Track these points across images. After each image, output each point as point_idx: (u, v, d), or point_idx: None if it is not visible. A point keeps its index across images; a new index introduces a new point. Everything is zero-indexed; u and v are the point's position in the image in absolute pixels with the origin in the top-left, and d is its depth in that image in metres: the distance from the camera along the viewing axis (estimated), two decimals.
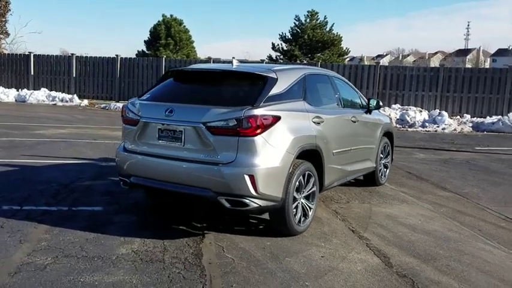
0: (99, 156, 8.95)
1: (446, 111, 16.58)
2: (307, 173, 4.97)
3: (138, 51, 33.26)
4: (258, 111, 4.42)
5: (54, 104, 20.32)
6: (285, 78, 5.02)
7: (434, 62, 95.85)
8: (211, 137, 4.42)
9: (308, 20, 30.00)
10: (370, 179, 7.21)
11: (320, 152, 5.17)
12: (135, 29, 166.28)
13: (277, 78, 4.87)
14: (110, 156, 8.91)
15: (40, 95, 20.81)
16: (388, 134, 7.46)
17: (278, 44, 30.73)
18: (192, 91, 5.01)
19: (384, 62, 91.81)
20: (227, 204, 4.45)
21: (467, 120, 16.29)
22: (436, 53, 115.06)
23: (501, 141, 13.82)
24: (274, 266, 4.17)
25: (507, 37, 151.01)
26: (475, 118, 16.53)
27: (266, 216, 5.32)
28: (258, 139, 4.40)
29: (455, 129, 15.57)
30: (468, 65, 75.09)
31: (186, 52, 32.50)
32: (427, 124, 15.98)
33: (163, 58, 21.01)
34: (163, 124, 4.67)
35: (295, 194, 4.80)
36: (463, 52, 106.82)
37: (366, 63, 65.11)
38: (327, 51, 29.32)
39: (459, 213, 6.07)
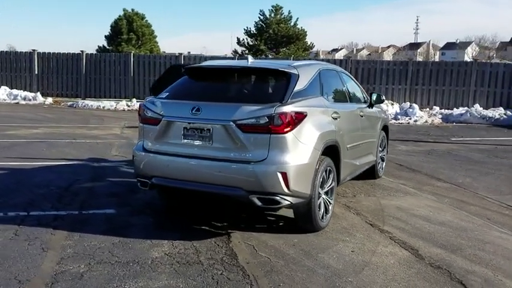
0: (87, 156, 8.64)
1: (416, 103, 17.07)
2: (328, 168, 4.99)
3: (98, 46, 32.38)
4: (287, 108, 4.39)
5: (17, 103, 19.42)
6: (305, 74, 5.01)
7: (387, 56, 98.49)
8: (242, 135, 4.35)
9: (273, 15, 30.10)
10: (369, 173, 7.32)
11: (338, 147, 5.20)
12: (94, 24, 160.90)
13: (299, 74, 4.85)
14: (98, 157, 8.66)
15: (0, 94, 19.84)
16: (385, 128, 7.61)
17: (243, 39, 30.70)
18: (216, 89, 4.91)
19: (339, 56, 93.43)
20: (258, 203, 4.41)
21: (436, 112, 16.84)
22: (388, 46, 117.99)
23: (472, 131, 14.38)
24: (311, 263, 4.17)
25: (454, 31, 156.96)
26: (444, 110, 17.12)
27: (282, 212, 5.32)
28: (289, 136, 4.37)
29: (426, 121, 16.06)
30: (419, 58, 77.43)
31: (149, 47, 31.89)
32: (399, 117, 16.40)
33: (132, 54, 20.50)
34: (189, 123, 4.55)
35: (319, 190, 4.82)
36: (415, 46, 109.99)
37: (321, 57, 66.01)
38: (293, 46, 29.53)
39: (463, 203, 6.27)
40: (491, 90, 17.28)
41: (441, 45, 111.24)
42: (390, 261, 4.29)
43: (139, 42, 31.67)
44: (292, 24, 30.21)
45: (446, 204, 6.23)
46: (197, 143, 4.56)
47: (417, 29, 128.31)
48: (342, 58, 25.66)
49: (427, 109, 17.29)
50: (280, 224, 5.26)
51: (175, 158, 4.66)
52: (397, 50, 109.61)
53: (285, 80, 4.74)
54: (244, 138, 4.35)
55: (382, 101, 6.98)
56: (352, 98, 6.24)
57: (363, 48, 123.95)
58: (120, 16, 31.56)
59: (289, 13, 30.39)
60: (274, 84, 4.76)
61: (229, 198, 4.85)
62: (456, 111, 16.72)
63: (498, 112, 16.27)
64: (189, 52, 21.71)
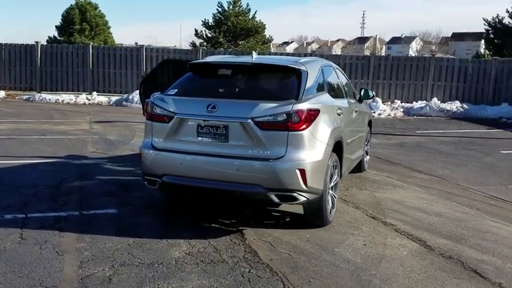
0: (63, 153, 8.32)
1: (378, 97, 17.57)
2: (335, 164, 5.09)
3: (49, 37, 30.92)
4: (304, 105, 4.44)
5: None
6: (312, 71, 5.07)
7: (336, 49, 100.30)
8: (260, 132, 4.35)
9: (231, 7, 29.90)
10: (356, 166, 7.51)
11: (342, 143, 5.31)
12: (43, 13, 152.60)
13: (307, 71, 4.90)
14: (76, 154, 8.38)
15: None
16: (369, 122, 7.82)
17: (201, 31, 30.33)
18: (229, 86, 4.88)
19: (290, 49, 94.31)
20: (276, 200, 4.44)
21: (398, 106, 17.42)
22: (337, 40, 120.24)
23: (434, 124, 14.99)
24: (330, 257, 4.25)
25: (399, 26, 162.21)
26: (404, 103, 17.73)
27: (285, 208, 5.38)
28: (306, 133, 4.42)
29: (389, 115, 16.59)
30: (367, 52, 79.18)
31: (103, 38, 30.87)
32: None
33: (90, 45, 19.77)
34: (205, 120, 4.49)
35: (328, 185, 4.91)
36: (363, 40, 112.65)
37: (272, 50, 66.24)
38: (252, 39, 29.50)
39: (450, 195, 6.57)
40: (447, 84, 18.06)
41: (387, 39, 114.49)
42: (403, 253, 4.45)
43: (93, 33, 30.55)
44: (250, 16, 30.18)
45: (435, 195, 6.50)
46: (212, 140, 4.52)
47: (363, 24, 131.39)
48: (309, 51, 26.05)
49: (389, 103, 17.84)
50: (287, 219, 5.31)
51: (189, 155, 4.60)
52: (346, 44, 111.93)
53: (296, 76, 4.77)
54: (262, 136, 4.36)
55: (372, 97, 7.17)
56: (347, 94, 6.37)
57: (313, 42, 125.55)
58: (72, 5, 30.28)
59: (247, 6, 30.33)
60: (286, 81, 4.78)
61: (248, 195, 4.84)
62: (416, 104, 17.36)
63: (455, 105, 17.06)
64: (136, 43, 21.08)
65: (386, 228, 5.12)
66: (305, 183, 4.39)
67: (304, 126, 4.40)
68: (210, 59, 5.63)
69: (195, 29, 30.76)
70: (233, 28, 29.69)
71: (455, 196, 6.50)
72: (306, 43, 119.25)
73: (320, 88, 5.11)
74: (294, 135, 4.37)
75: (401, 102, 17.81)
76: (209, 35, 30.32)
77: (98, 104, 17.54)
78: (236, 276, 3.78)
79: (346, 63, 18.37)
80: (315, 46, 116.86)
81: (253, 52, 5.37)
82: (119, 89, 19.27)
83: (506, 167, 8.67)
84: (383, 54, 77.33)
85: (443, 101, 17.66)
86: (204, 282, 3.64)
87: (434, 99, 17.49)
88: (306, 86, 4.73)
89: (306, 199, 4.49)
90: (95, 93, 18.47)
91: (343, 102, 5.79)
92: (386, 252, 4.46)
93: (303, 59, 5.34)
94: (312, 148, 4.49)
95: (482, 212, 5.79)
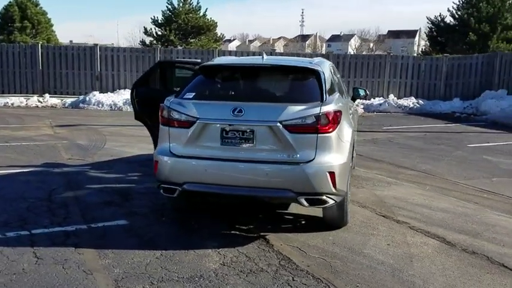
0: (39, 161, 7.82)
1: None
2: (350, 164, 5.09)
3: None
4: (330, 107, 4.40)
5: None
6: (326, 71, 5.03)
7: (280, 47, 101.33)
8: (289, 136, 4.26)
9: (181, 4, 29.36)
10: None
11: (354, 143, 5.31)
12: None
13: (324, 72, 4.86)
14: (52, 161, 7.93)
15: None
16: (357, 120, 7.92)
17: (151, 28, 29.56)
18: (250, 88, 4.74)
19: (232, 46, 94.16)
20: (306, 204, 4.37)
21: (358, 103, 17.78)
22: (279, 38, 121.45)
23: (395, 120, 15.44)
24: (364, 260, 4.25)
25: (338, 24, 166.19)
26: (363, 100, 18.15)
27: (294, 210, 5.32)
28: (333, 135, 4.39)
29: None
30: (308, 50, 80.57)
31: (46, 36, 29.29)
32: None
33: (40, 45, 18.70)
34: (230, 125, 4.34)
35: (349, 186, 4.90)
36: (304, 38, 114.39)
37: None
38: (204, 37, 29.14)
39: (444, 190, 6.78)
40: (402, 81, 18.70)
41: (327, 37, 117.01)
42: (428, 250, 4.53)
43: (35, 31, 28.97)
44: (201, 14, 29.81)
45: (431, 191, 6.68)
46: (238, 145, 4.37)
47: (303, 22, 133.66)
48: (258, 50, 26.22)
49: None
50: (302, 222, 5.26)
51: (213, 162, 4.42)
52: (288, 41, 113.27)
53: (315, 78, 4.71)
54: (291, 139, 4.27)
55: (364, 96, 7.25)
56: (346, 93, 6.40)
57: (255, 39, 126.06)
58: (10, 2, 28.53)
59: (198, 3, 29.92)
60: (307, 82, 4.70)
61: (277, 200, 4.74)
62: (375, 101, 17.85)
63: (411, 101, 17.70)
64: (71, 41, 20.36)
65: (401, 226, 5.18)
66: (334, 186, 4.35)
67: (332, 128, 4.36)
68: (221, 61, 5.46)
69: (144, 27, 30.01)
70: (184, 26, 29.17)
71: (449, 191, 6.71)
72: (248, 41, 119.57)
73: (333, 89, 5.09)
74: (323, 137, 4.32)
75: (360, 99, 18.22)
76: (159, 33, 29.63)
77: (52, 106, 16.64)
78: (282, 285, 3.68)
79: None
80: (257, 44, 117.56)
81: (263, 53, 5.25)
82: (71, 90, 18.37)
83: (478, 160, 9.06)
84: (323, 51, 78.93)
85: (399, 97, 18.26)
86: None
87: (391, 96, 18.06)
88: (326, 87, 4.68)
89: (334, 202, 4.46)
90: (47, 95, 17.53)
91: (346, 102, 5.81)
92: (412, 251, 4.51)
93: (316, 60, 5.30)
94: (339, 150, 4.46)
95: (481, 206, 6.01)
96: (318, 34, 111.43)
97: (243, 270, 3.92)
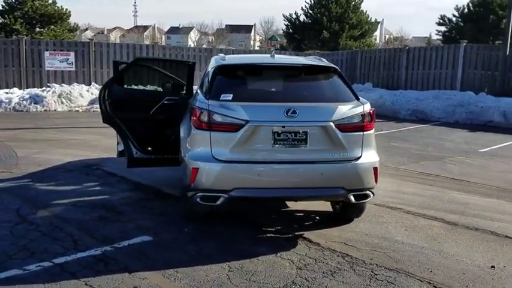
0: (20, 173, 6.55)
1: None
2: None
3: None
4: (368, 106, 4.60)
5: None
6: None
7: (116, 38, 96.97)
8: (341, 135, 4.36)
9: None
10: None
11: None
12: None
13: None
14: (29, 171, 6.93)
15: None
16: None
17: None
18: (292, 88, 4.64)
19: None
20: (353, 200, 4.52)
21: None
22: (114, 28, 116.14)
23: None
24: (405, 246, 4.55)
25: (176, 16, 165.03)
26: None
27: (299, 207, 5.44)
28: (373, 132, 4.62)
29: None
30: (147, 42, 78.21)
31: None
32: None
33: None
34: (283, 126, 4.23)
35: None
36: (142, 29, 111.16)
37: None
38: (56, 27, 26.49)
39: (395, 175, 7.48)
40: None
41: (166, 29, 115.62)
42: (441, 231, 5.01)
43: None
44: (50, 1, 27.05)
45: (387, 177, 7.20)
46: (290, 147, 4.31)
47: (136, 12, 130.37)
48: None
49: None
50: (317, 218, 5.37)
51: (266, 165, 4.29)
52: (123, 33, 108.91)
53: (340, 76, 4.86)
54: (342, 138, 4.37)
55: None
56: None
57: (87, 29, 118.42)
58: None
59: None
60: (337, 81, 4.78)
61: (328, 199, 4.74)
62: None
63: None
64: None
65: (399, 212, 5.63)
66: (376, 180, 4.59)
67: (372, 125, 4.59)
68: (238, 60, 5.21)
69: None
70: (32, 14, 26.22)
71: (400, 176, 7.45)
72: (79, 30, 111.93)
73: None
74: (367, 135, 4.52)
75: None
76: (0, 21, 26.12)
77: None
78: (373, 281, 3.79)
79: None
80: (89, 34, 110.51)
81: (273, 52, 5.18)
82: None
83: (390, 147, 10.04)
84: (163, 43, 77.57)
85: None
86: None
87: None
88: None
89: (372, 195, 4.68)
90: None
91: None
92: (429, 233, 4.98)
93: (323, 59, 5.41)
94: (375, 146, 4.69)
95: (439, 187, 6.82)
96: (156, 25, 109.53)
97: (324, 271, 3.92)
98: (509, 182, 7.28)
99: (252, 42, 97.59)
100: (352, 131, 4.44)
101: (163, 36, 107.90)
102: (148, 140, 5.80)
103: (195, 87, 5.88)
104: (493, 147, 10.38)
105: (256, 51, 21.82)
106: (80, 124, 12.39)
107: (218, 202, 4.33)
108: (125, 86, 5.96)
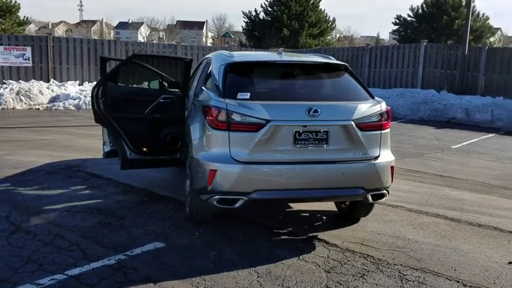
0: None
1: None
2: None
3: None
4: (384, 104, 4.55)
5: None
6: None
7: (62, 32, 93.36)
8: (361, 134, 4.29)
9: None
10: None
11: None
12: None
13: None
14: (6, 175, 6.43)
15: None
16: None
17: None
18: (311, 87, 4.50)
19: None
20: (371, 200, 4.47)
21: None
22: (60, 22, 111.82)
23: None
24: (419, 245, 4.57)
25: (126, 10, 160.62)
26: None
27: (303, 207, 5.36)
28: (389, 130, 4.58)
29: None
30: (95, 37, 75.22)
31: None
32: None
33: None
34: (305, 126, 4.11)
35: None
36: (89, 23, 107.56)
37: None
38: (6, 20, 25.07)
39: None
40: None
41: (115, 24, 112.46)
42: (447, 228, 5.10)
43: None
44: None
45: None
46: (311, 146, 4.19)
47: (81, 6, 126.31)
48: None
49: None
50: (324, 218, 5.31)
51: (287, 166, 4.15)
52: (68, 27, 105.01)
53: (351, 74, 4.79)
54: (362, 137, 4.31)
55: None
56: None
57: (30, 23, 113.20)
58: None
59: None
60: (347, 79, 4.70)
61: (347, 199, 4.64)
62: None
63: None
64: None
65: (401, 210, 5.66)
66: (392, 179, 4.56)
67: (389, 124, 4.55)
68: (247, 57, 4.99)
69: None
70: None
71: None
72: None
73: None
74: (385, 133, 4.47)
75: None
76: None
77: None
78: (402, 280, 3.75)
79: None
80: (33, 27, 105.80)
81: (280, 49, 5.03)
82: None
83: None
84: (112, 38, 75.00)
85: None
86: None
87: None
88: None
89: (388, 195, 4.65)
90: None
91: None
92: (437, 230, 5.03)
93: (330, 57, 5.31)
94: (389, 145, 4.66)
95: (430, 184, 6.93)
96: (104, 20, 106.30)
97: (353, 274, 3.85)
98: (493, 177, 7.51)
99: (204, 39, 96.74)
100: (371, 130, 4.38)
101: (112, 32, 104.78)
102: (143, 140, 5.51)
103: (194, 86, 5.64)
104: (463, 144, 10.75)
105: (216, 48, 21.63)
106: (45, 123, 11.75)
107: (237, 205, 4.15)
108: (119, 84, 5.63)
